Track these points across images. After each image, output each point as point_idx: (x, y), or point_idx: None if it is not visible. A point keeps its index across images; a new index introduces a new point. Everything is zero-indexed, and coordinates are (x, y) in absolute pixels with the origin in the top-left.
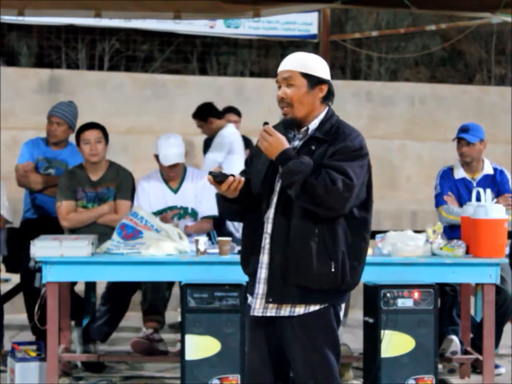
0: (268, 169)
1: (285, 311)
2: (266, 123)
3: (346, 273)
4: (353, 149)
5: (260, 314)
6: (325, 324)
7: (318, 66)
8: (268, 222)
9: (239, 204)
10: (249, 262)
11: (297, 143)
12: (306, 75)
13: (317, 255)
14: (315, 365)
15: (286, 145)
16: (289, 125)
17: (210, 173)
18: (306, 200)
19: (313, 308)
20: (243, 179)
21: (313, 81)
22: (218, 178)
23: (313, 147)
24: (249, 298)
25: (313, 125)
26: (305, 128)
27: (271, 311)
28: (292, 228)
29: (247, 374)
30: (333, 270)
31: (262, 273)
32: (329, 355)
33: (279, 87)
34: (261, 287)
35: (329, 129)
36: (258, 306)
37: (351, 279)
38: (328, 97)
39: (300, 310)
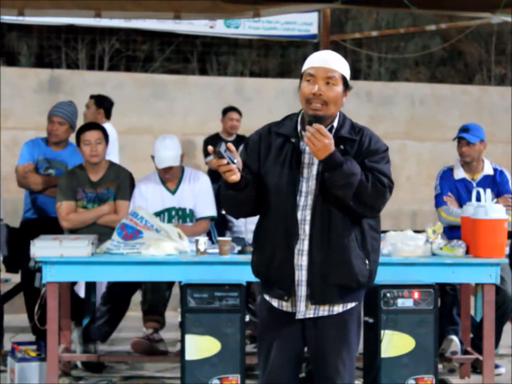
0: (291, 169)
1: (324, 311)
2: (310, 123)
3: (373, 268)
4: (383, 150)
5: (302, 317)
6: (358, 321)
7: (349, 71)
8: (305, 224)
9: (241, 199)
10: (277, 264)
11: None
12: (344, 79)
13: (354, 253)
14: (346, 362)
15: (334, 146)
16: (317, 122)
17: (220, 146)
18: (357, 201)
19: (350, 305)
20: (235, 170)
21: (346, 86)
22: (217, 153)
23: (341, 147)
24: (276, 302)
25: (335, 124)
26: (329, 126)
27: (310, 313)
28: (333, 229)
29: (270, 373)
30: (368, 267)
31: (303, 275)
32: (354, 352)
33: (309, 80)
34: (303, 290)
35: (351, 129)
36: (304, 308)
37: (374, 274)
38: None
39: (338, 308)
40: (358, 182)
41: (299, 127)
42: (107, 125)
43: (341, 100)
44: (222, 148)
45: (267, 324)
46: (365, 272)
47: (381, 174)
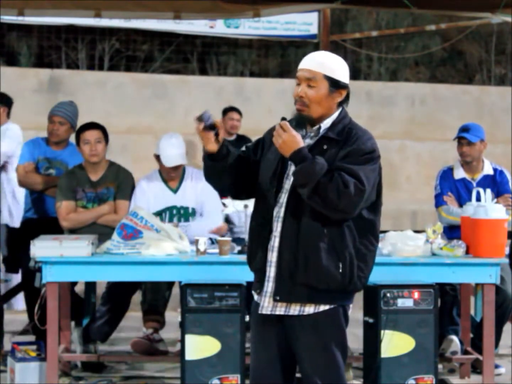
0: (278, 165)
1: (295, 310)
2: (284, 119)
3: (354, 274)
4: (365, 152)
5: (268, 312)
6: (334, 324)
7: (342, 70)
8: (278, 221)
9: (217, 169)
10: (255, 258)
11: (308, 141)
12: (329, 78)
13: (326, 255)
14: (323, 365)
15: (301, 143)
16: (303, 123)
17: (204, 113)
18: (317, 202)
19: (323, 307)
20: (212, 139)
21: (335, 85)
22: (200, 117)
23: (324, 147)
24: (255, 296)
25: (325, 124)
26: (317, 126)
27: (280, 310)
28: (302, 228)
29: (253, 374)
30: (340, 270)
31: (271, 271)
32: (337, 355)
33: (298, 83)
34: (270, 286)
35: (342, 130)
36: (267, 304)
37: (358, 280)
38: (345, 100)
39: (309, 309)
40: (317, 182)
41: None
42: (12, 125)
43: (328, 101)
44: (206, 114)
45: (252, 319)
46: (336, 275)
47: (350, 174)
